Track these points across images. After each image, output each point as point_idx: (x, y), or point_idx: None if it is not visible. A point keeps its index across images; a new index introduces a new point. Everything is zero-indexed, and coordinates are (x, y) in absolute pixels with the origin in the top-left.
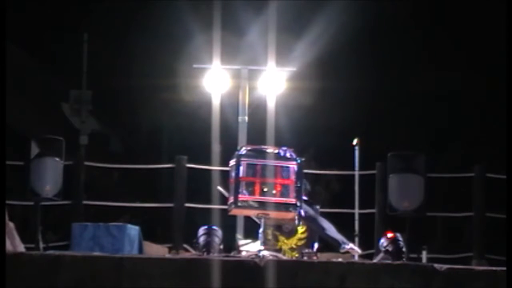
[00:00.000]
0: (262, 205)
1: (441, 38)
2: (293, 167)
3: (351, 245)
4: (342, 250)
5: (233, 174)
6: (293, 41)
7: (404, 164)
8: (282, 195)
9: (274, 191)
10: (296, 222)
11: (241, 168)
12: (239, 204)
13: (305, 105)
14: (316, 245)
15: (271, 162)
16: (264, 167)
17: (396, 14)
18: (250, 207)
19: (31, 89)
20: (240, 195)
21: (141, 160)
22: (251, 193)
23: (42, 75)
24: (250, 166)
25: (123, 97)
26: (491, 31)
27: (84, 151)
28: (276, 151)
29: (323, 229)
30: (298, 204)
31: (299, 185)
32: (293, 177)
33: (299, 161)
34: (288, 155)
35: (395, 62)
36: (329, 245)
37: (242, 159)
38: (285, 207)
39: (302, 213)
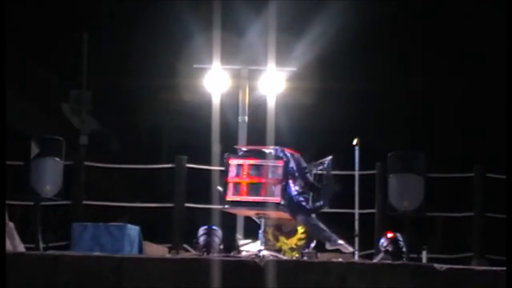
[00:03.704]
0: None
1: (442, 39)
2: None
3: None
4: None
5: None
6: (293, 41)
7: (404, 164)
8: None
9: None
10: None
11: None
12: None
13: (305, 105)
14: (313, 244)
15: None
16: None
17: (396, 14)
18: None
19: (31, 89)
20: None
21: (141, 160)
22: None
23: (42, 75)
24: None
25: (123, 97)
26: (491, 31)
27: (84, 151)
28: (269, 150)
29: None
30: (283, 202)
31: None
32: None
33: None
34: (280, 154)
35: (395, 62)
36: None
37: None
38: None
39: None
